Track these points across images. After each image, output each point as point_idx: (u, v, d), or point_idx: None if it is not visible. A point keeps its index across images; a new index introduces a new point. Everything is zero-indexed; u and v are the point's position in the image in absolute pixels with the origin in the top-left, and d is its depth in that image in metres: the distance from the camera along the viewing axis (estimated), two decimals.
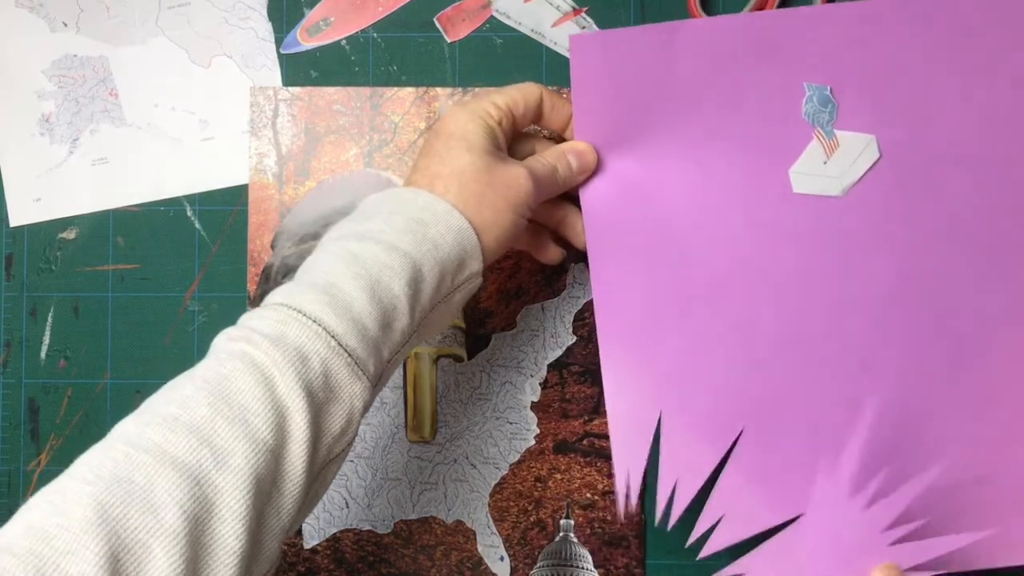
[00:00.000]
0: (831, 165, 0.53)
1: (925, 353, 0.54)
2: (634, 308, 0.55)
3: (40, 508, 0.34)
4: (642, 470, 0.53)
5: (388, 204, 0.46)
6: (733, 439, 0.53)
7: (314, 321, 0.40)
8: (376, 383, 0.43)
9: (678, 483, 0.53)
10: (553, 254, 0.56)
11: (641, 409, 0.53)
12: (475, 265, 0.46)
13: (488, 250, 0.46)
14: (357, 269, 0.42)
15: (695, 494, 0.53)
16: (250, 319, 0.41)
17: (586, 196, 0.55)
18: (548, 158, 0.50)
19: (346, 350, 0.40)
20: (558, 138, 0.56)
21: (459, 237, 0.45)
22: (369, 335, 0.41)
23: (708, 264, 0.54)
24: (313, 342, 0.40)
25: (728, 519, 0.53)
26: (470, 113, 0.48)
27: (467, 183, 0.46)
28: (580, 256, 0.60)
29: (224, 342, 0.41)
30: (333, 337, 0.40)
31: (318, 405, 0.40)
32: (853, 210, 0.54)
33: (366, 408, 0.42)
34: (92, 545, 0.32)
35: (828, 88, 0.53)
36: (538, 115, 0.52)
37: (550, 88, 0.53)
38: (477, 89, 0.60)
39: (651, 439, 0.53)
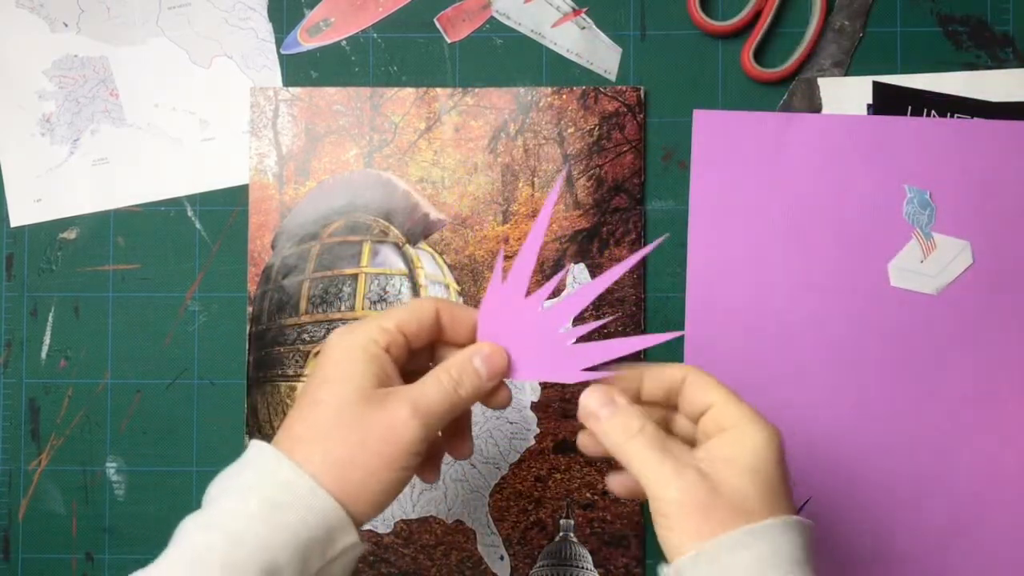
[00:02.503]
0: (927, 265, 0.58)
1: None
2: (722, 375, 0.61)
3: None
4: None
5: (246, 476, 0.40)
6: (798, 507, 0.59)
7: None
8: None
9: None
10: (434, 474, 0.48)
11: None
12: (347, 539, 0.40)
13: (362, 517, 0.41)
14: (203, 572, 0.38)
15: None
16: None
17: (692, 262, 0.60)
18: (451, 371, 0.43)
19: None
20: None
21: (323, 517, 0.39)
22: None
23: (800, 343, 0.59)
24: None
25: None
26: (349, 346, 0.42)
27: (333, 447, 0.40)
28: (580, 256, 0.60)
29: None
30: None
31: None
32: (944, 308, 0.59)
33: None
34: None
35: (928, 192, 0.58)
36: (436, 331, 0.45)
37: (446, 300, 0.46)
38: (472, 91, 0.60)
39: None
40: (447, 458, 0.60)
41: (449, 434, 0.47)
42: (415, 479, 0.48)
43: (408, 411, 0.41)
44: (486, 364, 0.43)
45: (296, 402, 0.43)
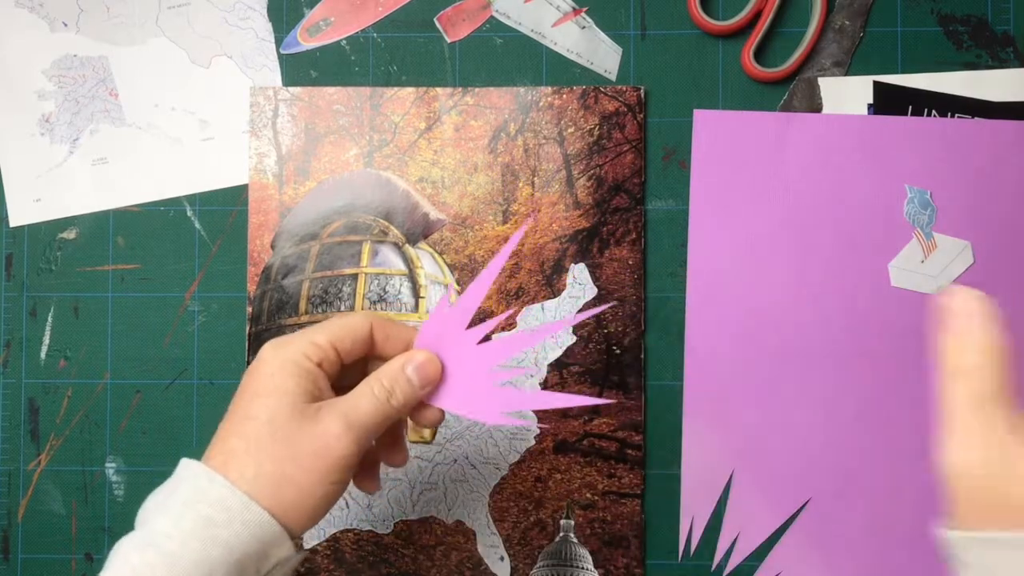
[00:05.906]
0: (928, 264, 0.58)
1: None
2: (722, 375, 0.60)
3: None
4: (707, 519, 0.59)
5: (179, 493, 0.40)
6: (799, 507, 0.59)
7: None
8: None
9: (740, 536, 0.59)
10: (373, 484, 0.48)
11: (715, 464, 0.59)
12: (282, 552, 0.41)
13: (298, 529, 0.41)
14: None
15: (755, 548, 0.59)
16: None
17: (692, 262, 0.60)
18: (383, 381, 0.43)
19: None
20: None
21: (257, 532, 0.39)
22: None
23: (800, 345, 0.59)
24: None
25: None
26: (282, 360, 0.42)
27: (266, 462, 0.40)
28: (580, 256, 0.60)
29: None
30: None
31: None
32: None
33: None
34: None
35: (928, 192, 0.58)
36: (369, 347, 0.45)
37: (380, 316, 0.46)
38: (472, 91, 0.60)
39: (720, 493, 0.59)
40: (446, 459, 0.60)
41: (383, 443, 0.47)
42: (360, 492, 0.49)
43: (341, 426, 0.41)
44: (418, 372, 0.44)
45: (228, 414, 0.43)
